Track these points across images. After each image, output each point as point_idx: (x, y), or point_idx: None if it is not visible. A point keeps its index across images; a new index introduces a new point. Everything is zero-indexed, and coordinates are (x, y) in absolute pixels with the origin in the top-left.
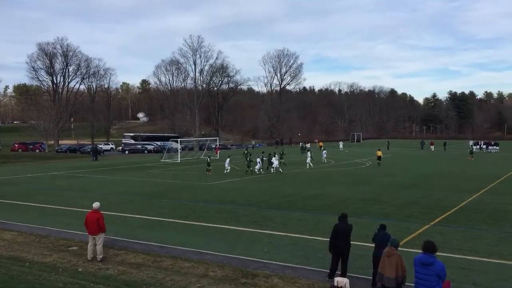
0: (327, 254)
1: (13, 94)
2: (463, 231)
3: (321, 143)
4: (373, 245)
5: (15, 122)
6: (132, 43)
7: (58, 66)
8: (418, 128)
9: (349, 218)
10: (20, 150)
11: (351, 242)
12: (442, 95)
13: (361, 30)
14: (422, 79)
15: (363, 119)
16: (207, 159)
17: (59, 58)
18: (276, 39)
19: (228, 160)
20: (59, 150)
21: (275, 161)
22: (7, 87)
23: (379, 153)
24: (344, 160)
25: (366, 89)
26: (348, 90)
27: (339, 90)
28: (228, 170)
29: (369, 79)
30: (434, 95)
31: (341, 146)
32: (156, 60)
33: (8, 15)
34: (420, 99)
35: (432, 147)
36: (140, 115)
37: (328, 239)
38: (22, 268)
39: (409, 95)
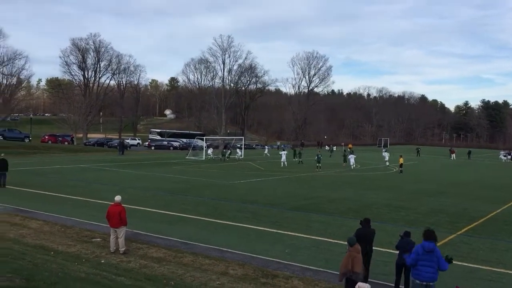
0: None
1: (45, 87)
2: (491, 242)
3: (350, 145)
4: (397, 252)
5: (46, 114)
6: (162, 41)
7: (90, 61)
8: (448, 135)
9: (373, 224)
10: (49, 141)
11: (374, 248)
12: (475, 103)
13: (391, 35)
14: (454, 86)
15: (392, 124)
16: (319, 156)
17: (91, 53)
18: (305, 41)
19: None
20: (87, 143)
21: (351, 159)
22: (40, 80)
23: (401, 160)
24: (371, 165)
25: (396, 94)
26: (377, 95)
27: (368, 95)
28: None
29: (399, 84)
30: (466, 103)
31: (386, 157)
32: (185, 59)
33: (43, 10)
34: (451, 106)
35: (453, 155)
36: (168, 112)
37: None
38: (47, 256)
39: (440, 101)
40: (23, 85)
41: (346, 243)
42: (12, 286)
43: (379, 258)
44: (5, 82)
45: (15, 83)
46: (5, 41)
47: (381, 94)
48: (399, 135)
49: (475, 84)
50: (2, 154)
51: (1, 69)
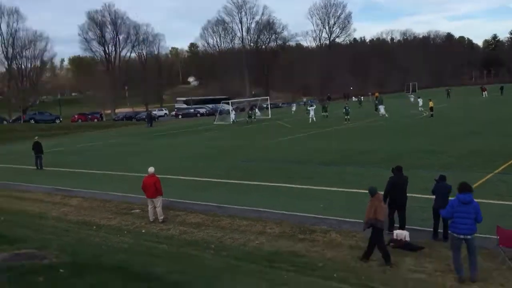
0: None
1: (69, 66)
2: None
3: (377, 94)
4: (433, 197)
5: (73, 94)
6: (177, 5)
7: (108, 35)
8: (478, 73)
9: (407, 171)
10: (79, 120)
11: (409, 195)
12: (504, 36)
13: None
14: (480, 20)
15: (419, 68)
16: (346, 108)
17: (109, 27)
18: None
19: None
20: (116, 119)
21: (381, 109)
22: (63, 60)
23: (431, 103)
24: (400, 112)
25: (421, 35)
26: (401, 38)
27: (391, 39)
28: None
29: (423, 24)
30: (495, 36)
31: (420, 102)
32: (202, 22)
33: None
34: (479, 41)
35: (485, 93)
36: (191, 79)
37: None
38: (90, 231)
39: (467, 38)
40: (47, 66)
41: (381, 193)
42: (60, 262)
43: (415, 204)
44: (29, 65)
45: (39, 65)
46: (24, 23)
47: (405, 37)
48: (427, 78)
49: (503, 15)
50: (36, 137)
51: (24, 53)
